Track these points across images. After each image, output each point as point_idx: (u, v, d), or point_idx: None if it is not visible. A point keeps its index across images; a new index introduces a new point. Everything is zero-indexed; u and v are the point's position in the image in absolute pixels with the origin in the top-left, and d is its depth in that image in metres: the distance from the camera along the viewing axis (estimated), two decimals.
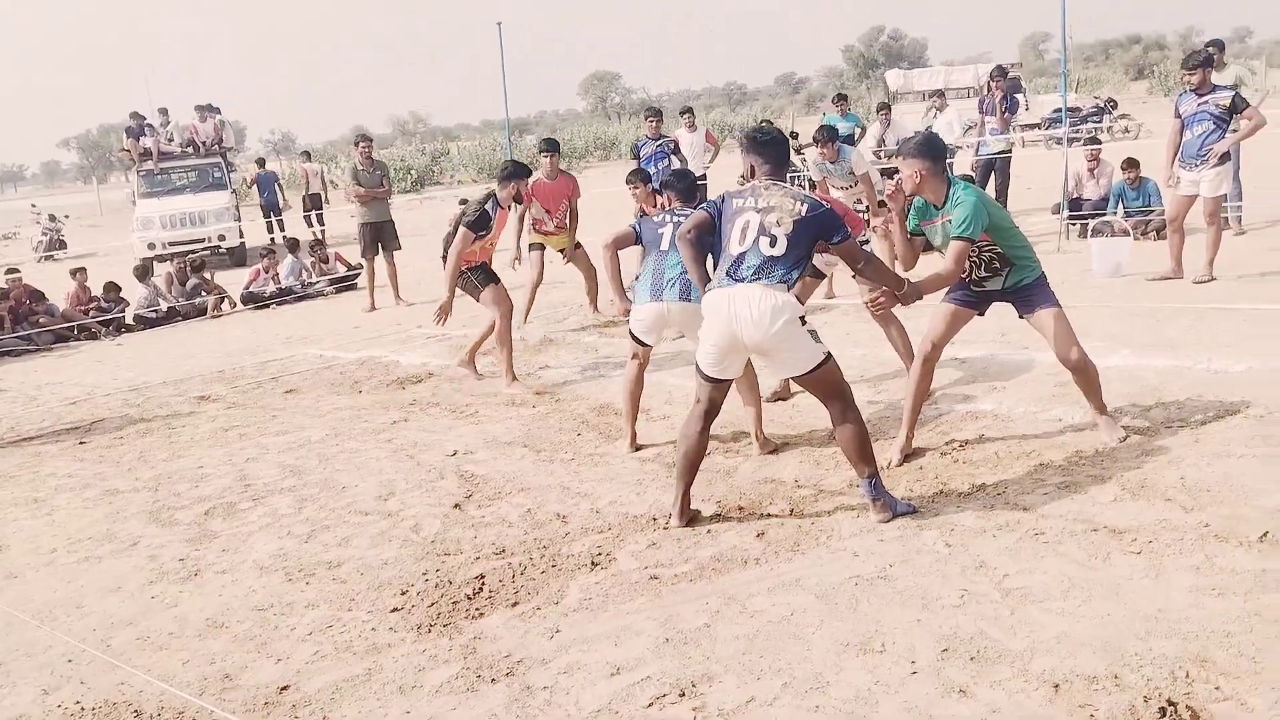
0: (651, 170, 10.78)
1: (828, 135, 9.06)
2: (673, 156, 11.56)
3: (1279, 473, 4.41)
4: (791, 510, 4.68)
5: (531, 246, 9.76)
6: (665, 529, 4.59)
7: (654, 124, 11.93)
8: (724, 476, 5.22)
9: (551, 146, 9.71)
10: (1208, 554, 3.79)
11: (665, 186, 6.20)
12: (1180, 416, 5.29)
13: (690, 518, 4.66)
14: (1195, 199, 8.44)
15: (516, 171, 7.68)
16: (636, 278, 5.78)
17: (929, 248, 5.23)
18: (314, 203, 21.82)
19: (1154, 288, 8.45)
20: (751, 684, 3.26)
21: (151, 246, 18.66)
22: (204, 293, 13.48)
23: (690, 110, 12.84)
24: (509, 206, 7.79)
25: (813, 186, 9.75)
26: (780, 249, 4.39)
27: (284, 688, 3.58)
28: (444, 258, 7.46)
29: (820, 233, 4.47)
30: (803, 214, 4.41)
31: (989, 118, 13.33)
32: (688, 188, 6.06)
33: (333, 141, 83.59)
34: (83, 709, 3.58)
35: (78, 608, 4.45)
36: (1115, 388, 5.55)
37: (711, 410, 4.69)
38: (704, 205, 4.76)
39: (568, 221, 9.70)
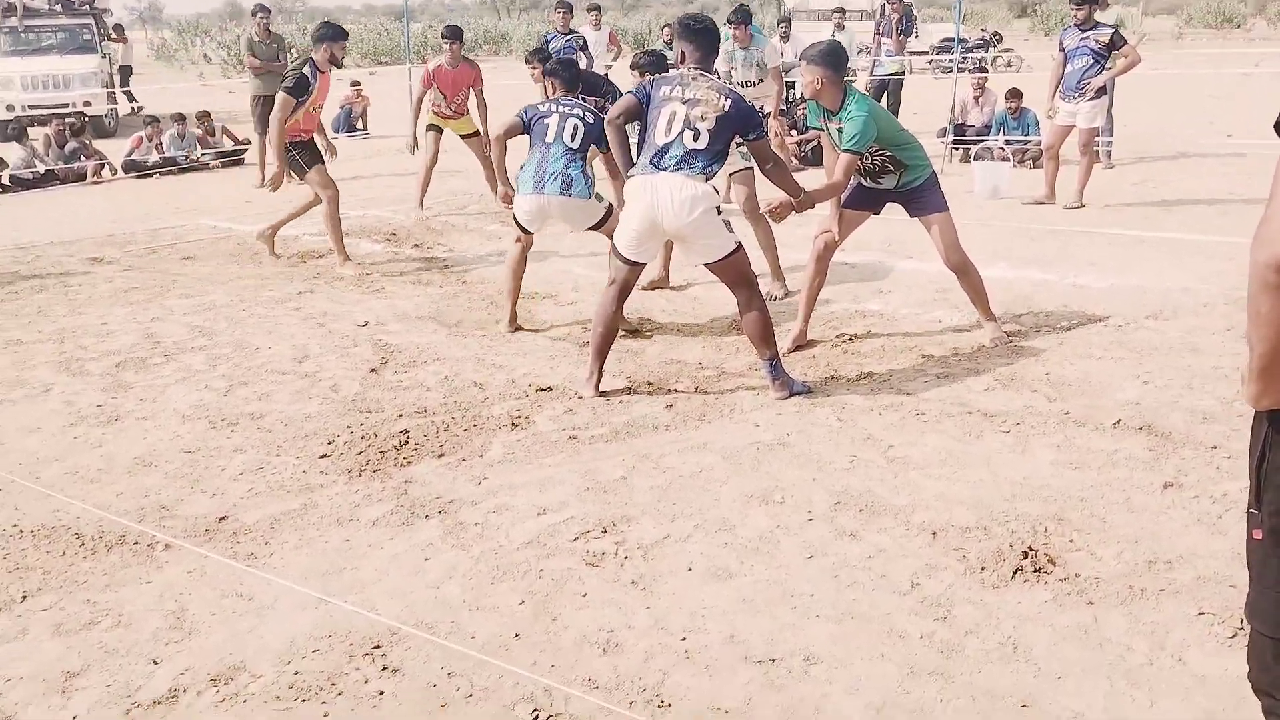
0: None
1: (742, 16, 8.94)
2: (580, 53, 11.59)
3: (1132, 372, 4.95)
4: (696, 388, 5.01)
5: (429, 128, 9.76)
6: (579, 399, 4.88)
7: (564, 17, 11.90)
8: (632, 356, 5.52)
9: (454, 34, 9.62)
10: (1067, 435, 4.28)
11: (549, 74, 6.17)
12: (1048, 323, 5.80)
13: (600, 392, 4.95)
14: (1071, 129, 8.99)
15: (328, 34, 7.47)
16: (521, 167, 5.92)
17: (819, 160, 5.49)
18: (123, 76, 20.88)
19: (1029, 210, 9.02)
20: (667, 525, 3.61)
21: (10, 108, 17.62)
22: (83, 157, 13.01)
23: (598, 8, 12.84)
24: (328, 70, 7.52)
25: None
26: (703, 143, 4.65)
27: (222, 518, 3.78)
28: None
29: (740, 128, 4.74)
30: (725, 109, 4.67)
31: (885, 39, 13.71)
32: (571, 76, 6.16)
33: (204, 14, 79.48)
34: (21, 531, 3.71)
35: None
36: (992, 295, 5.97)
37: (625, 290, 4.97)
38: (633, 90, 4.96)
39: (469, 109, 9.71)
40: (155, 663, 2.93)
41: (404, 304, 6.70)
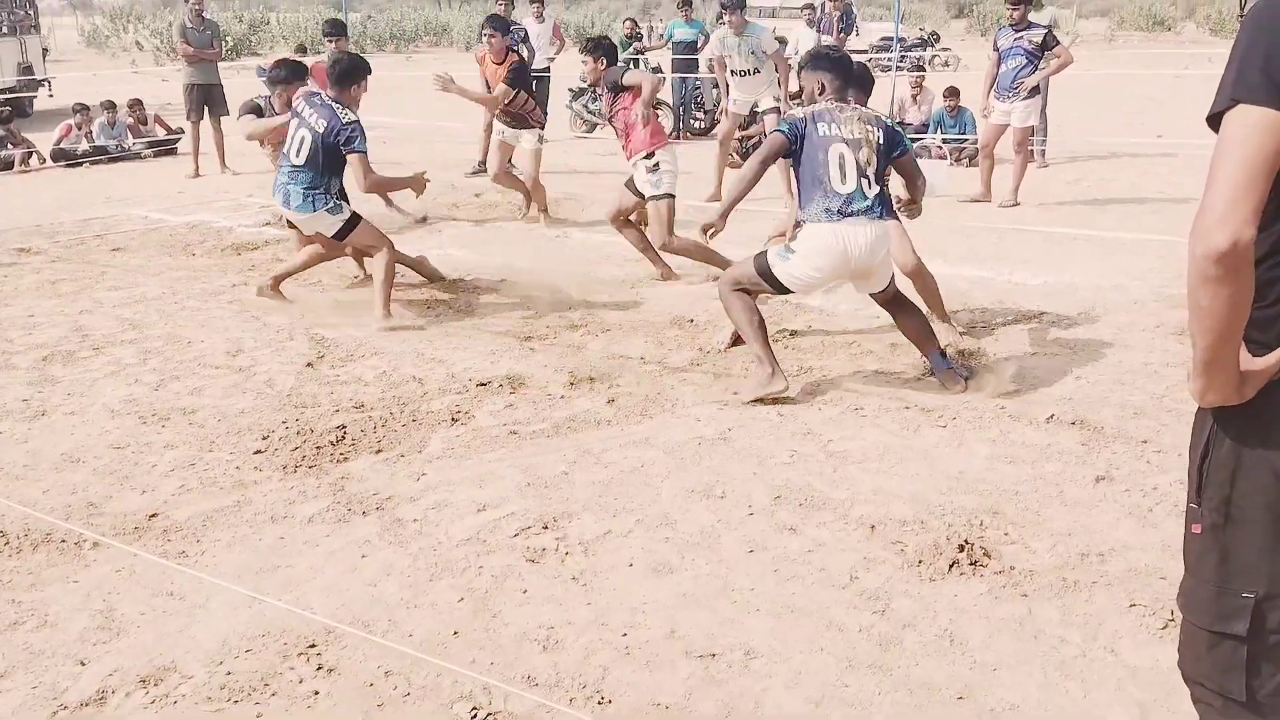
0: None
1: (736, 1, 8.72)
2: (523, 45, 11.50)
3: (1065, 367, 5.04)
4: (639, 383, 5.01)
5: None
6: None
7: (505, 8, 11.76)
8: (574, 352, 5.50)
9: (336, 30, 9.21)
10: (1003, 430, 4.34)
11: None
12: (984, 320, 5.89)
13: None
14: (1006, 128, 9.13)
15: (277, 77, 7.21)
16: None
17: None
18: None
19: (965, 208, 9.14)
20: (608, 520, 3.60)
21: None
22: (10, 145, 12.65)
23: (541, 0, 12.74)
24: (284, 110, 7.04)
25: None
26: (876, 186, 4.68)
27: (153, 515, 3.69)
28: None
29: (892, 150, 4.78)
30: (880, 141, 4.70)
31: (825, 36, 13.78)
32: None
33: None
34: None
35: None
36: None
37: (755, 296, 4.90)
38: (781, 128, 4.77)
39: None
40: (83, 664, 2.85)
41: (341, 296, 6.61)
